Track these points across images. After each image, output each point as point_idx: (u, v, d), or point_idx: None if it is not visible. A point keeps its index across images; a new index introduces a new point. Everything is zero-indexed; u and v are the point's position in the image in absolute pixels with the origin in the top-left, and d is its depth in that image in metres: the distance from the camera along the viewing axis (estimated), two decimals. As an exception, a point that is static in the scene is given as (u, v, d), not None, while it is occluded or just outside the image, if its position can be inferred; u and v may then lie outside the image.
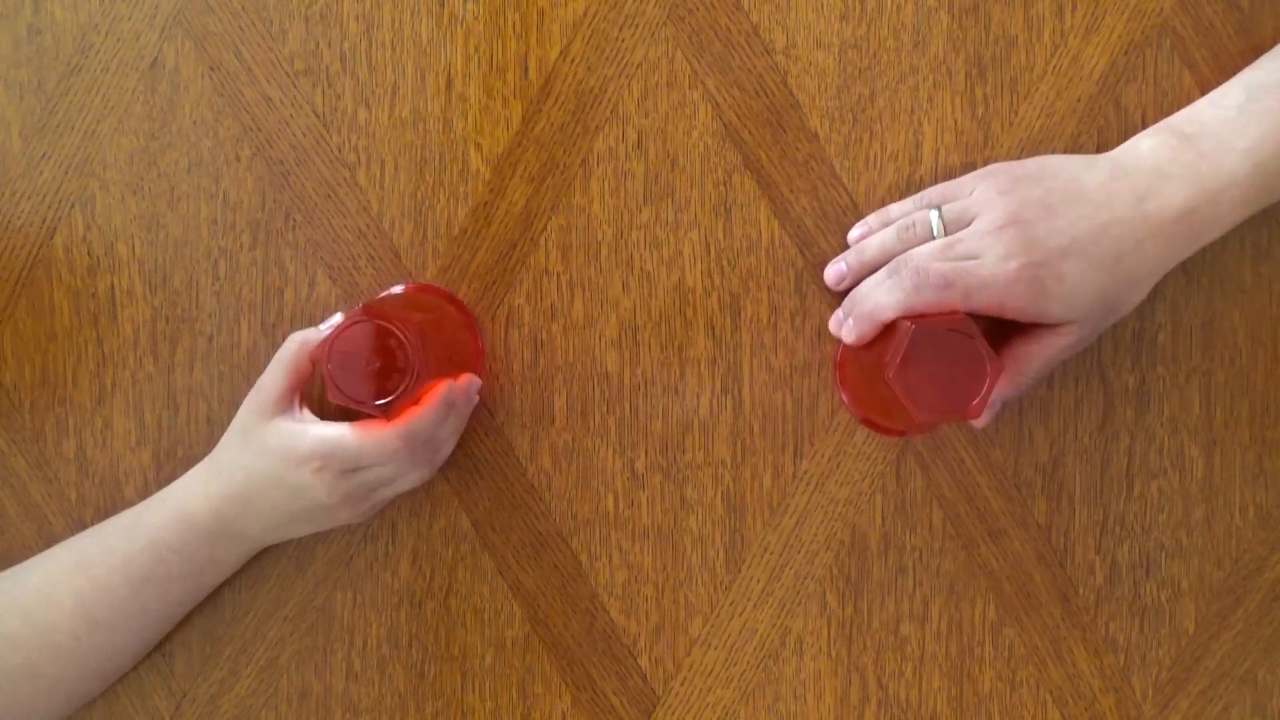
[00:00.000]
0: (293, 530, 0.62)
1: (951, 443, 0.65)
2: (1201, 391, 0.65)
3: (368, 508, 0.62)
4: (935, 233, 0.60)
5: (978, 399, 0.54)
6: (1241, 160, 0.58)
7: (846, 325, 0.60)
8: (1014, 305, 0.57)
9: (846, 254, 0.63)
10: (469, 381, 0.62)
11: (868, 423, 0.62)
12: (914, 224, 0.61)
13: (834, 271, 0.64)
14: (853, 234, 0.64)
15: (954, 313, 0.57)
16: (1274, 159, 0.58)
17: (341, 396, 0.56)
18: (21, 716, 0.61)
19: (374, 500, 0.62)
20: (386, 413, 0.56)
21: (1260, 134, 0.58)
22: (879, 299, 0.58)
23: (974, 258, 0.58)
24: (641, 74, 0.65)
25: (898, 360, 0.54)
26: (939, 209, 0.60)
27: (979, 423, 0.62)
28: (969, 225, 0.59)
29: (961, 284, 0.57)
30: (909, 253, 0.60)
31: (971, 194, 0.60)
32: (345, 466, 0.59)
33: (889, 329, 0.58)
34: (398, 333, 0.55)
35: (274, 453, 0.59)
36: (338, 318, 0.63)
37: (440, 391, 0.59)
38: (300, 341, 0.61)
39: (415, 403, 0.58)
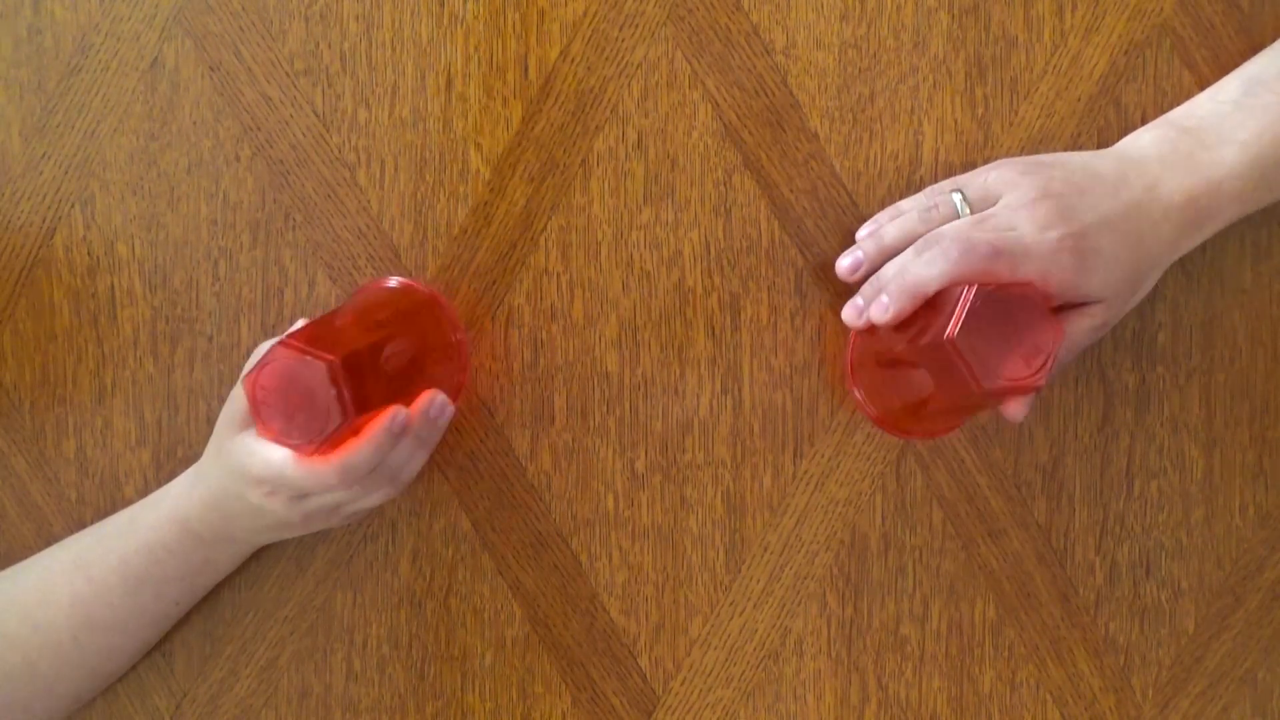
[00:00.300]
0: (277, 536, 0.62)
1: (951, 443, 0.65)
2: (1201, 391, 0.65)
3: (340, 520, 0.60)
4: (960, 212, 0.59)
5: (1042, 363, 0.51)
6: (1240, 153, 0.58)
7: (878, 304, 0.57)
8: (1058, 277, 0.56)
9: (862, 242, 0.62)
10: (427, 403, 0.58)
11: (882, 421, 0.61)
12: (936, 205, 0.59)
13: (850, 261, 0.62)
14: (861, 231, 0.63)
15: (1013, 280, 0.54)
16: (1272, 152, 0.58)
17: (270, 433, 0.52)
18: (20, 716, 0.61)
19: (342, 515, 0.60)
20: (319, 451, 0.53)
21: (1258, 128, 0.58)
22: (919, 271, 0.56)
23: (1009, 230, 0.56)
24: (641, 74, 0.65)
25: (958, 323, 0.51)
26: (960, 192, 0.59)
27: (1018, 414, 0.58)
28: (994, 205, 0.58)
29: (1009, 253, 0.55)
30: (940, 230, 0.58)
31: (989, 180, 0.59)
32: (292, 494, 0.56)
33: (928, 305, 0.55)
34: (324, 369, 0.51)
35: (236, 470, 0.57)
36: (300, 323, 0.59)
37: (382, 421, 0.54)
38: (263, 352, 0.58)
39: (356, 431, 0.54)
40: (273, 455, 0.55)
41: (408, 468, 0.59)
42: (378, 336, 0.57)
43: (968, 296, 0.52)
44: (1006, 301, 0.52)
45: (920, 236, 0.59)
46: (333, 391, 0.51)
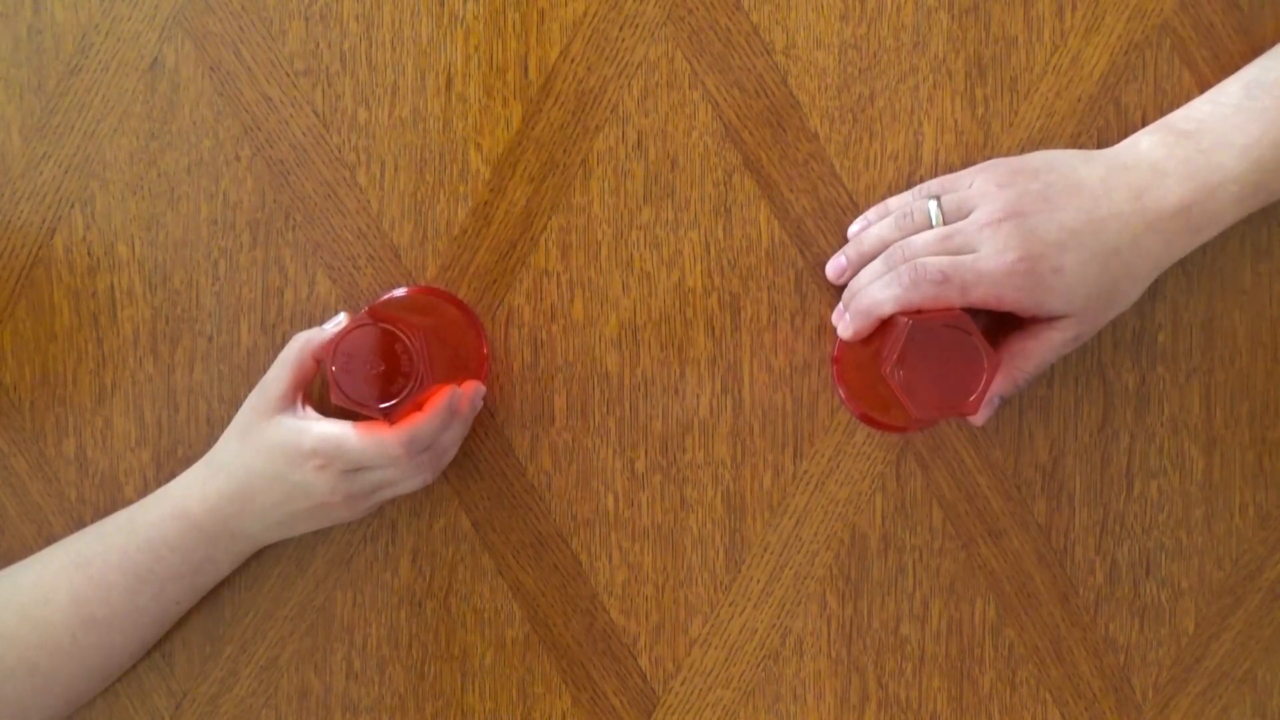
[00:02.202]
0: (292, 529, 0.62)
1: (951, 442, 0.65)
2: (1201, 391, 0.65)
3: (366, 506, 0.62)
4: (934, 222, 0.60)
5: (975, 395, 0.54)
6: (1239, 157, 0.58)
7: (843, 321, 0.60)
8: (1012, 298, 0.57)
9: (846, 247, 0.64)
10: (474, 388, 0.62)
11: (865, 418, 0.62)
12: (912, 213, 0.61)
13: (835, 265, 0.64)
14: (852, 228, 0.64)
15: (951, 308, 0.57)
16: (1271, 156, 0.58)
17: (344, 399, 0.56)
18: (20, 715, 0.61)
19: (374, 500, 0.62)
20: (389, 416, 0.56)
21: (1258, 131, 0.58)
22: (875, 294, 0.58)
23: (971, 250, 0.58)
24: (641, 74, 0.65)
25: (894, 357, 0.54)
26: (938, 199, 0.60)
27: (977, 419, 0.62)
28: (967, 216, 0.59)
29: (958, 278, 0.57)
30: (906, 243, 0.59)
31: (970, 186, 0.60)
32: (347, 466, 0.59)
33: (887, 324, 0.58)
34: (403, 337, 0.55)
35: (276, 449, 0.59)
36: (341, 318, 0.63)
37: (444, 397, 0.59)
38: (304, 341, 0.61)
39: (418, 408, 0.58)
40: (330, 428, 0.58)
41: (450, 452, 0.62)
42: (427, 325, 0.60)
43: (903, 330, 0.54)
44: (945, 333, 0.54)
45: (894, 243, 0.60)
46: (418, 356, 0.55)
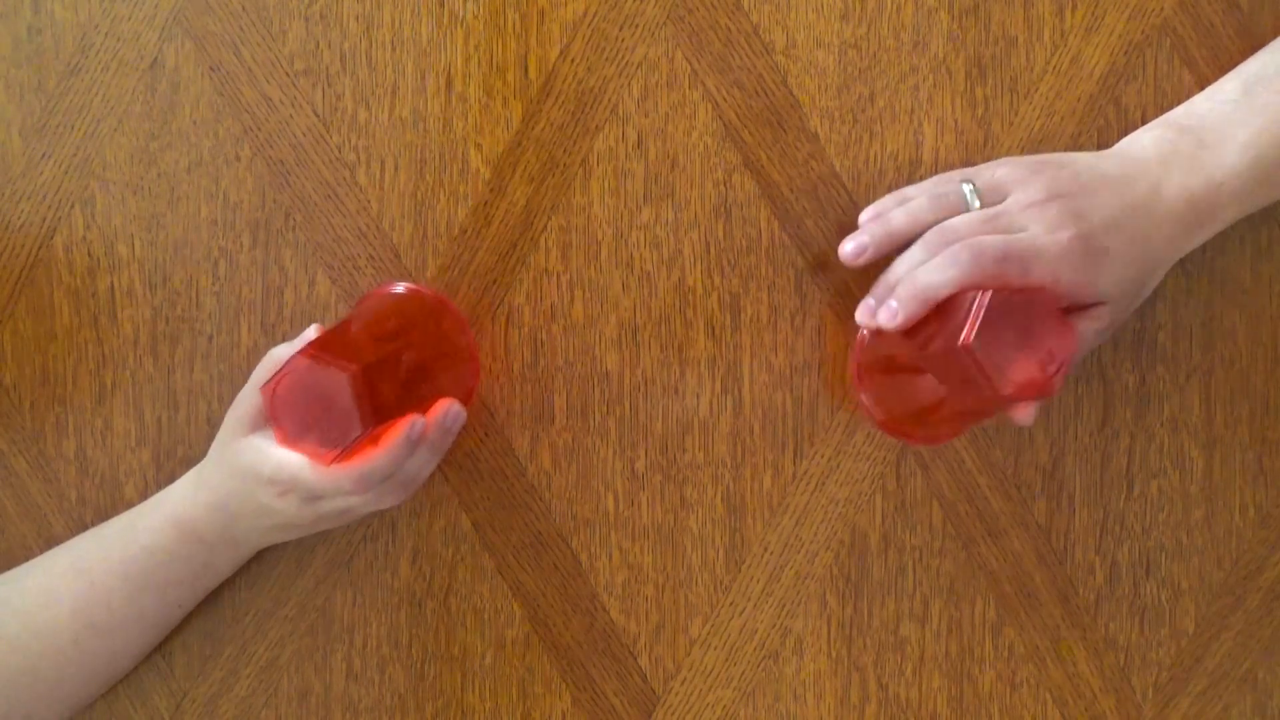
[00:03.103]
0: (281, 537, 0.62)
1: (951, 443, 0.65)
2: (1201, 391, 0.65)
3: (343, 523, 0.61)
4: (970, 205, 0.59)
5: (1057, 367, 0.51)
6: (1240, 153, 0.58)
7: (887, 309, 0.56)
8: (1069, 278, 0.56)
9: (868, 225, 0.61)
10: (442, 413, 0.59)
11: (888, 426, 0.61)
12: (947, 194, 0.59)
13: (854, 245, 0.60)
14: (865, 215, 0.62)
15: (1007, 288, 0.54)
16: (1272, 151, 0.58)
17: (288, 442, 0.53)
18: (22, 719, 0.61)
19: (347, 519, 0.61)
20: (337, 459, 0.53)
21: (1258, 126, 0.58)
22: (929, 277, 0.55)
23: (1020, 230, 0.56)
24: (641, 74, 0.65)
25: (972, 330, 0.50)
26: (972, 182, 0.59)
27: (1027, 419, 0.58)
28: (1003, 200, 0.58)
29: (1019, 256, 0.55)
30: (947, 225, 0.57)
31: (995, 175, 0.59)
32: (306, 495, 0.57)
33: (939, 309, 0.55)
34: (344, 379, 0.51)
35: (246, 470, 0.58)
36: (311, 331, 0.60)
37: (400, 430, 0.55)
38: (276, 360, 0.59)
39: (375, 440, 0.55)
40: (287, 458, 0.56)
41: (420, 475, 0.60)
42: (391, 345, 0.57)
43: (982, 302, 0.51)
44: (1019, 306, 0.52)
45: (929, 226, 0.58)
46: (353, 401, 0.51)
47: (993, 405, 0.54)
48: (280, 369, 0.52)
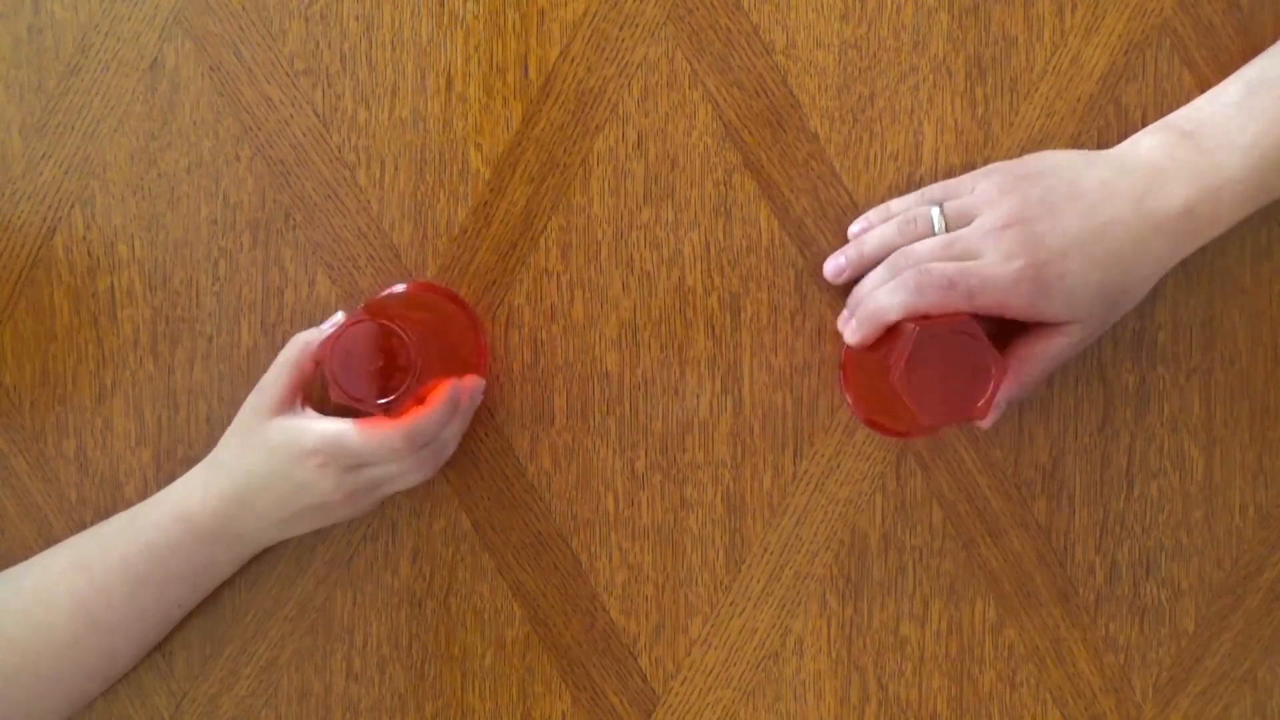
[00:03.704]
0: (293, 528, 0.62)
1: (951, 443, 0.65)
2: (1201, 391, 0.65)
3: (368, 503, 0.62)
4: (936, 229, 0.60)
5: (983, 401, 0.54)
6: (1242, 157, 0.58)
7: (849, 327, 0.60)
8: (1017, 305, 0.57)
9: (846, 248, 0.63)
10: (474, 382, 0.62)
11: (871, 423, 0.62)
12: (915, 219, 0.61)
13: (833, 265, 0.64)
14: (853, 229, 0.64)
15: (957, 314, 0.57)
16: (1274, 155, 0.58)
17: (344, 396, 0.55)
18: (22, 717, 0.61)
19: (375, 496, 0.62)
20: (389, 412, 0.56)
21: (1259, 130, 0.58)
22: (881, 301, 0.58)
23: (975, 256, 0.58)
24: (641, 74, 0.65)
25: (902, 363, 0.54)
26: (940, 205, 0.60)
27: (984, 424, 0.62)
28: (970, 223, 0.59)
29: (964, 285, 0.57)
30: (909, 249, 0.59)
31: (973, 191, 0.60)
32: (349, 463, 0.59)
33: (894, 329, 0.58)
34: (400, 332, 0.55)
35: (277, 449, 0.59)
36: (339, 317, 0.63)
37: (445, 391, 0.59)
38: (303, 342, 0.61)
39: (419, 402, 0.58)
40: (330, 426, 0.58)
41: (449, 446, 0.62)
42: (426, 315, 0.60)
43: (910, 336, 0.54)
44: (953, 339, 0.54)
45: (897, 249, 0.60)
46: (413, 352, 0.55)
47: (926, 429, 0.58)
48: (340, 327, 0.55)
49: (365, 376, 0.55)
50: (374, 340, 0.55)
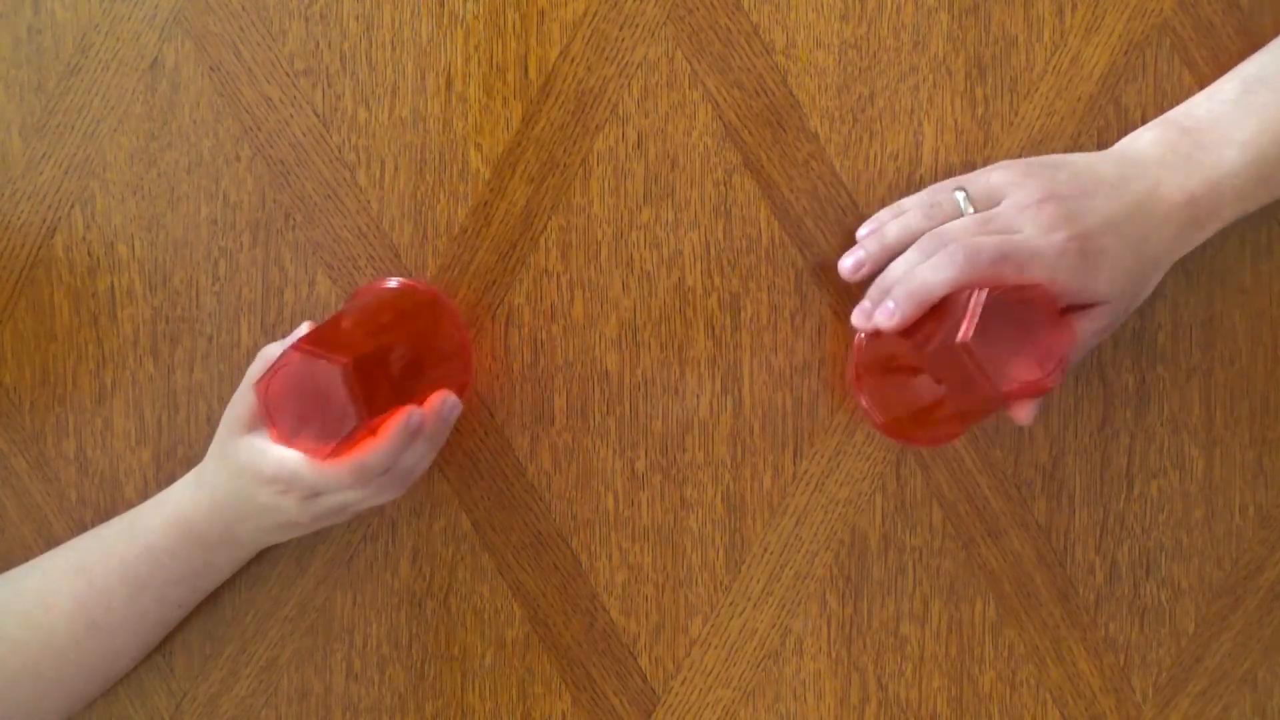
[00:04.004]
0: (281, 537, 0.62)
1: (951, 443, 0.65)
2: (1201, 391, 0.65)
3: (341, 520, 0.61)
4: (964, 210, 0.59)
5: (1054, 365, 0.51)
6: (1239, 153, 0.58)
7: (884, 309, 0.57)
8: (1064, 279, 0.56)
9: (864, 240, 0.62)
10: (440, 403, 0.58)
11: (890, 429, 0.61)
12: (940, 203, 0.59)
13: (851, 261, 0.61)
14: (862, 231, 0.63)
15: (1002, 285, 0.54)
16: (1271, 151, 0.58)
17: (281, 438, 0.53)
18: (22, 718, 0.61)
19: (344, 516, 0.60)
20: (335, 453, 0.53)
21: (1257, 127, 0.58)
22: (926, 277, 0.56)
23: (1015, 231, 0.56)
24: (641, 74, 0.65)
25: (970, 328, 0.50)
26: (964, 190, 0.59)
27: (1026, 418, 0.58)
28: (998, 205, 0.58)
29: (1015, 256, 0.55)
30: (942, 230, 0.58)
31: (989, 180, 0.60)
32: (306, 492, 0.56)
33: (934, 311, 0.55)
34: (337, 371, 0.51)
35: (244, 470, 0.57)
36: (303, 328, 0.60)
37: (398, 421, 0.55)
38: (269, 357, 0.59)
39: (372, 432, 0.55)
40: (286, 456, 0.55)
41: (418, 467, 0.59)
42: (384, 339, 0.57)
43: (979, 300, 0.51)
44: (1016, 304, 0.52)
45: (923, 234, 0.59)
46: (347, 394, 0.51)
47: (992, 404, 0.54)
48: (273, 365, 0.52)
49: (305, 415, 0.52)
50: (314, 375, 0.51)
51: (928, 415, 0.59)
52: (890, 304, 0.56)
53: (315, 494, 0.57)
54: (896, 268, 0.59)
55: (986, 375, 0.50)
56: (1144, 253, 0.57)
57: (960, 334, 0.51)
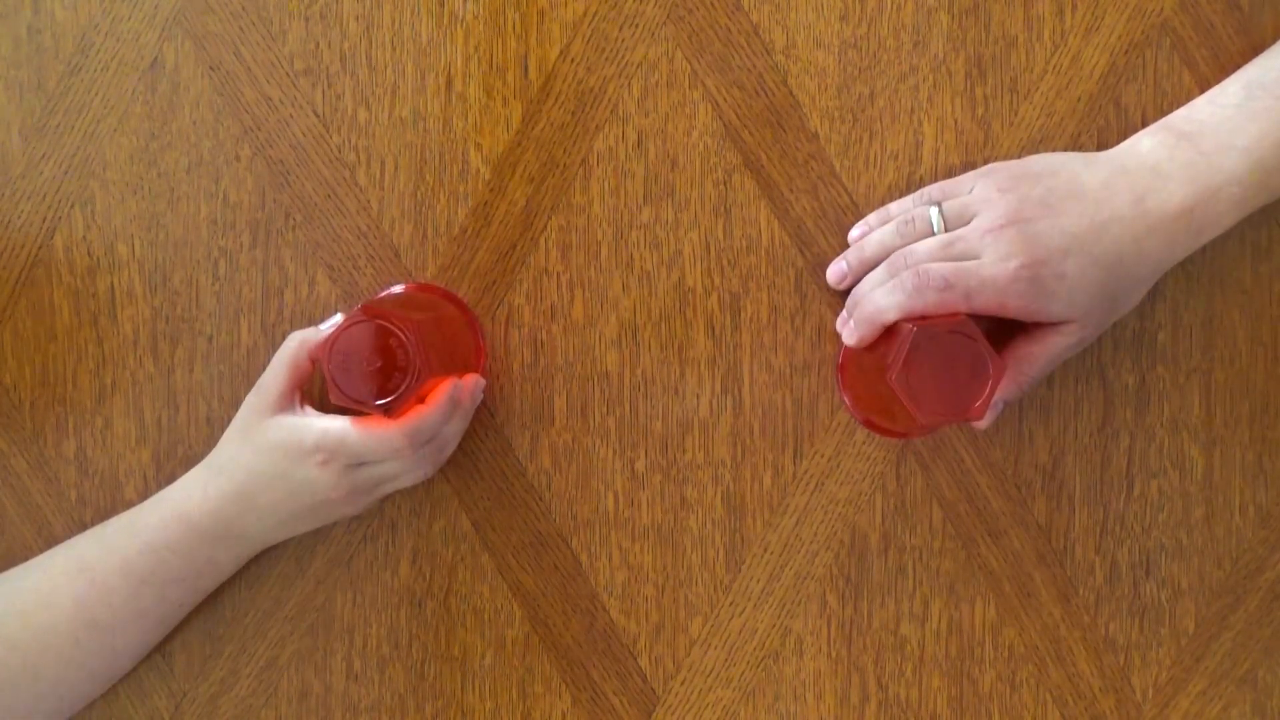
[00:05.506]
0: (293, 528, 0.62)
1: (951, 443, 0.65)
2: (1201, 391, 0.65)
3: (368, 501, 0.62)
4: (935, 229, 0.60)
5: (980, 401, 0.54)
6: (1241, 158, 0.58)
7: (848, 328, 0.60)
8: (1015, 305, 0.57)
9: (847, 253, 0.63)
10: (475, 380, 0.62)
11: (869, 424, 0.62)
12: (913, 220, 0.61)
13: (835, 270, 0.64)
14: (853, 233, 0.64)
15: (955, 314, 0.57)
16: (1273, 156, 0.58)
17: (342, 397, 0.56)
18: (23, 717, 0.61)
19: (376, 494, 0.62)
20: (389, 412, 0.56)
21: (1259, 132, 0.58)
22: (879, 301, 0.58)
23: (974, 256, 0.58)
24: (641, 74, 0.65)
25: (899, 363, 0.54)
26: (939, 205, 0.60)
27: (982, 424, 0.62)
28: (969, 222, 0.59)
29: (962, 285, 0.57)
30: (908, 250, 0.59)
31: (971, 191, 0.60)
32: (350, 461, 0.59)
33: (891, 330, 0.58)
34: (398, 332, 0.55)
35: (277, 448, 0.59)
36: (338, 317, 0.63)
37: (446, 389, 0.59)
38: (300, 340, 0.61)
39: (419, 401, 0.58)
40: (331, 424, 0.59)
41: (451, 444, 0.62)
42: (424, 321, 0.59)
43: (907, 337, 0.54)
44: (950, 339, 0.54)
45: (895, 251, 0.60)
46: (414, 350, 0.55)
47: (927, 429, 0.58)
48: (338, 328, 0.55)
49: (364, 377, 0.55)
50: (372, 340, 0.55)
51: (897, 415, 0.60)
52: (851, 323, 0.60)
53: (359, 463, 0.59)
54: (862, 286, 0.61)
55: (914, 406, 0.53)
56: (1117, 272, 0.58)
57: (888, 368, 0.54)
